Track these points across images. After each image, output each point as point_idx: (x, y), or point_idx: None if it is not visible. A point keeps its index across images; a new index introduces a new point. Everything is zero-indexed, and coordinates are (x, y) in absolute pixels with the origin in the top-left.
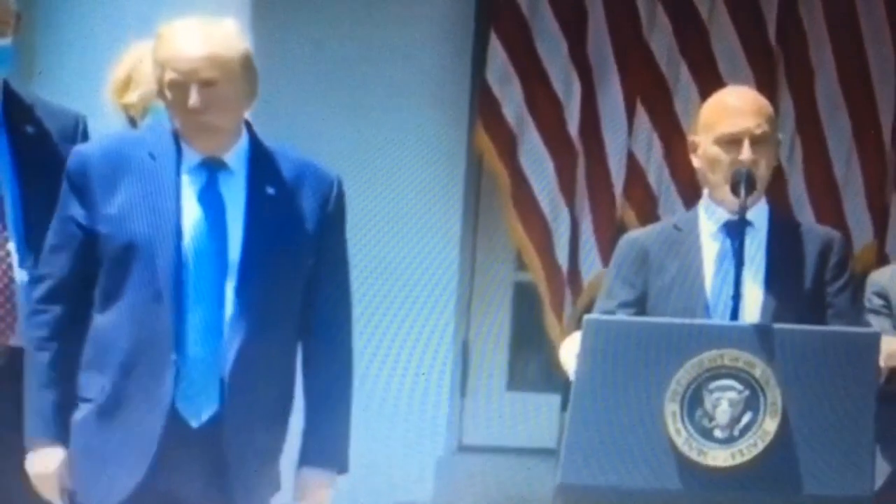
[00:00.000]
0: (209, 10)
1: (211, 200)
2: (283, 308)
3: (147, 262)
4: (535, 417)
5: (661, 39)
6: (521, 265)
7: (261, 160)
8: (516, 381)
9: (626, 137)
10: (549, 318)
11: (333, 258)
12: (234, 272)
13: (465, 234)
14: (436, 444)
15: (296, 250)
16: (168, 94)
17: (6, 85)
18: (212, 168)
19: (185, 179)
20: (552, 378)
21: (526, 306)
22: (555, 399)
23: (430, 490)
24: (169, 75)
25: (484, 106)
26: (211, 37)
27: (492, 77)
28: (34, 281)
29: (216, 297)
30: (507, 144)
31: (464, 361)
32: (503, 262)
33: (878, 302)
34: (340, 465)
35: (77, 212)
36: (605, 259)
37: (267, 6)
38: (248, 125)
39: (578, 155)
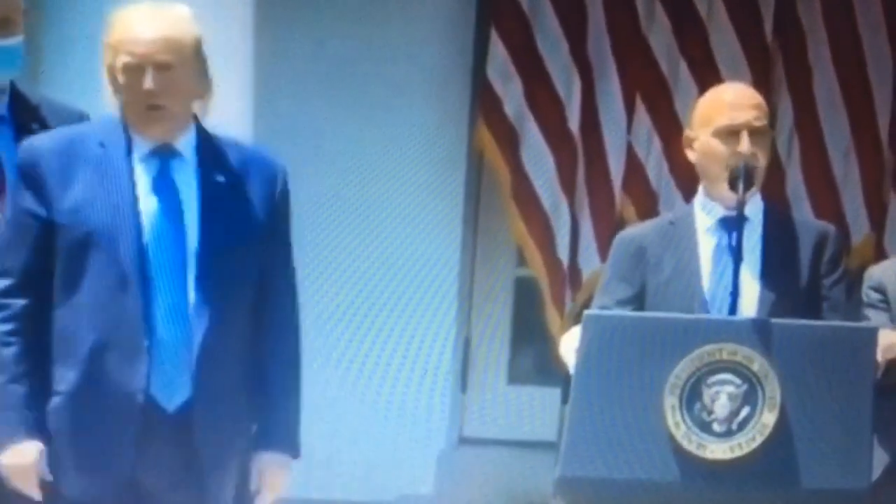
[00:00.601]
0: (210, 10)
1: (166, 187)
2: (241, 294)
3: (109, 250)
4: (536, 411)
5: (660, 37)
6: (521, 261)
7: (209, 148)
8: (517, 374)
9: (625, 134)
10: (550, 313)
11: (281, 247)
12: (192, 257)
13: (465, 230)
14: (437, 437)
15: (249, 236)
16: (121, 78)
17: (13, 85)
18: (163, 156)
19: (139, 168)
20: (552, 372)
21: (526, 301)
22: (555, 393)
23: (432, 483)
24: (123, 59)
25: (485, 103)
26: (165, 20)
27: (493, 75)
28: None
29: (179, 282)
30: (508, 141)
31: (465, 356)
32: (504, 258)
33: (875, 296)
34: (295, 451)
35: (32, 205)
36: (605, 255)
37: (269, 5)
38: (195, 115)
39: (579, 151)
